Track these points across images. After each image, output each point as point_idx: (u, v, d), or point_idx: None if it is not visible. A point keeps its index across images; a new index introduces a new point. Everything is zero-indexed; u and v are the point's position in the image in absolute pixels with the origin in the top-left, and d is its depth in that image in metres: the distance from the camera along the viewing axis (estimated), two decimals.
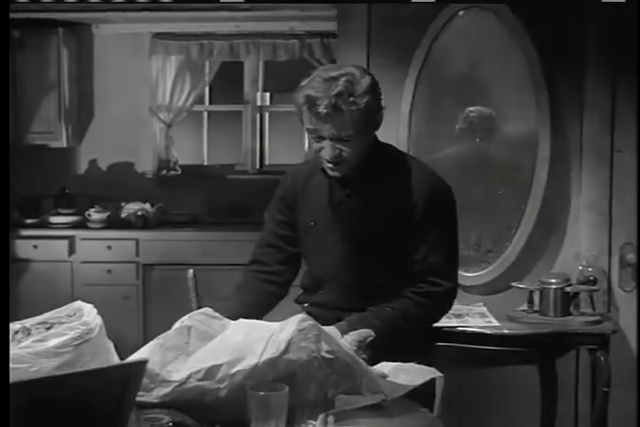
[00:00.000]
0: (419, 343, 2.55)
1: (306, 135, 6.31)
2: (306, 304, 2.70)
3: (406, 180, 2.55)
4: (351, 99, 2.39)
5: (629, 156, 3.74)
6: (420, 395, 2.12)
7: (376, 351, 2.38)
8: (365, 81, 2.44)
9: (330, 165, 2.53)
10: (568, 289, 3.55)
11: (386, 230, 2.55)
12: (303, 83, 2.46)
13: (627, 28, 3.63)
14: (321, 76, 2.43)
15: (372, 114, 2.46)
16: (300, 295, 2.76)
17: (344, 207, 2.60)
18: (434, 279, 2.53)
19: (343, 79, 2.40)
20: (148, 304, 5.89)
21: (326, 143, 2.47)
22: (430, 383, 2.18)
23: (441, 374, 2.18)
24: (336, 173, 2.56)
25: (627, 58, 3.68)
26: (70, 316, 2.08)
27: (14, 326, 2.04)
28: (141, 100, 6.35)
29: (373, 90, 2.46)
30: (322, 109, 2.39)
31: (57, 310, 2.12)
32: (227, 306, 2.56)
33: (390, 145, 2.71)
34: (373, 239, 2.56)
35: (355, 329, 2.43)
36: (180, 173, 6.41)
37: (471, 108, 3.84)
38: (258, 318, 2.32)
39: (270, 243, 2.75)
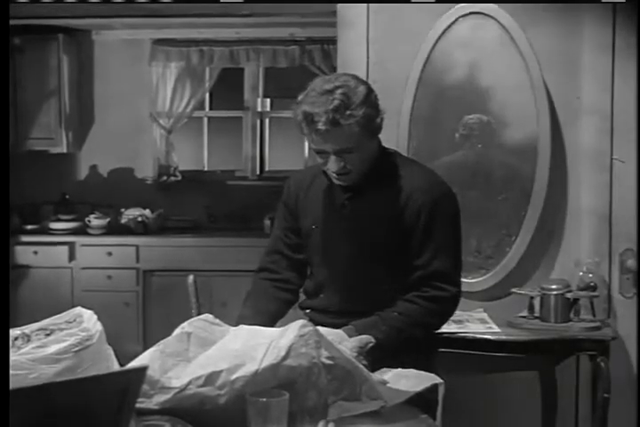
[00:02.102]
0: (420, 349, 2.54)
1: (306, 141, 6.37)
2: (308, 310, 2.70)
3: (410, 184, 2.55)
4: (348, 112, 2.39)
5: (629, 161, 3.74)
6: (423, 401, 2.12)
7: (380, 356, 2.38)
8: (361, 91, 2.44)
9: (336, 176, 2.54)
10: (568, 295, 3.55)
11: (387, 234, 2.55)
12: (300, 97, 2.46)
13: (627, 29, 3.63)
14: (316, 89, 2.43)
15: (371, 123, 2.46)
16: (303, 300, 2.77)
17: (346, 211, 2.61)
18: (438, 284, 2.53)
19: (339, 92, 2.40)
20: (148, 310, 5.89)
21: (330, 157, 2.48)
22: (432, 390, 2.17)
23: (441, 381, 2.18)
24: (343, 183, 2.56)
25: (626, 61, 3.68)
26: (70, 322, 2.08)
27: (14, 332, 2.03)
28: (142, 106, 6.36)
29: (369, 99, 2.46)
30: (321, 126, 2.39)
31: (57, 316, 2.12)
32: (242, 314, 2.58)
33: (395, 150, 2.71)
34: (375, 243, 2.56)
35: (362, 334, 2.42)
36: (180, 178, 6.42)
37: (470, 116, 3.85)
38: (272, 326, 2.33)
39: (278, 250, 2.76)
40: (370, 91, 2.48)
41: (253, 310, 2.61)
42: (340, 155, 2.46)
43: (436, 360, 2.66)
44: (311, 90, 2.45)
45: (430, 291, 2.53)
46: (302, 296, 2.79)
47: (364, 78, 3.76)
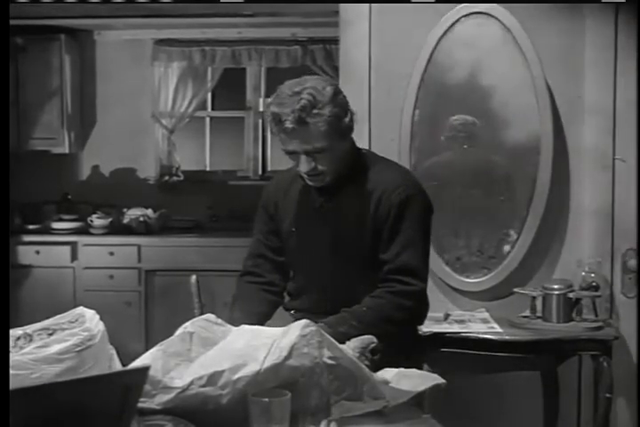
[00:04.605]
0: (405, 351, 2.54)
1: None
2: (292, 311, 2.73)
3: (383, 184, 2.58)
4: (315, 111, 2.44)
5: (630, 161, 3.73)
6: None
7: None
8: (328, 91, 2.47)
9: (307, 177, 2.56)
10: (570, 295, 3.55)
11: (363, 235, 2.58)
12: (270, 99, 2.51)
13: (627, 28, 3.64)
14: (285, 91, 2.48)
15: (339, 122, 2.49)
16: (287, 301, 2.79)
17: (322, 213, 2.64)
18: (404, 278, 2.54)
19: (306, 92, 2.45)
20: (151, 310, 5.89)
21: (301, 158, 2.51)
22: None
23: (444, 381, 2.18)
24: (315, 184, 2.59)
25: (628, 60, 3.68)
26: (72, 322, 2.08)
27: (16, 332, 2.03)
28: (144, 106, 6.36)
29: (336, 98, 2.49)
30: (287, 125, 2.43)
31: (59, 316, 2.12)
32: (233, 317, 2.59)
33: (368, 150, 2.74)
34: (351, 244, 2.59)
35: (333, 330, 2.42)
36: (182, 178, 6.42)
37: (454, 117, 3.85)
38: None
39: (260, 254, 2.79)
40: (337, 91, 2.51)
41: (243, 313, 2.63)
42: (310, 155, 2.50)
43: (423, 362, 2.67)
44: (280, 92, 2.50)
45: (397, 286, 2.54)
46: (287, 297, 2.80)
47: (367, 78, 3.82)
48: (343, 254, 2.60)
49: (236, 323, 2.40)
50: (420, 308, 2.63)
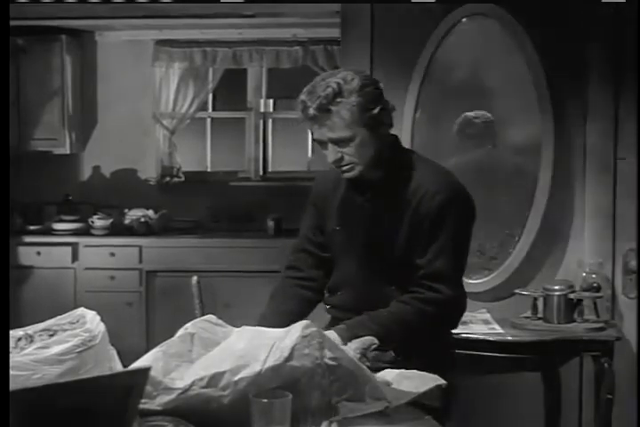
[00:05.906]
0: (433, 356, 2.53)
1: (309, 142, 6.38)
2: (329, 306, 2.73)
3: (426, 185, 2.55)
4: (338, 99, 2.43)
5: (631, 162, 3.73)
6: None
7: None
8: (356, 82, 2.47)
9: (336, 169, 2.56)
10: (572, 296, 3.55)
11: (400, 237, 2.55)
12: (304, 90, 2.51)
13: (628, 28, 3.64)
14: (317, 81, 2.49)
15: (364, 113, 2.47)
16: (327, 297, 2.78)
17: (363, 212, 2.62)
18: (435, 285, 2.52)
19: (334, 81, 2.45)
20: (152, 311, 5.89)
21: (328, 147, 2.50)
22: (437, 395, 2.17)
23: (445, 382, 2.18)
24: (347, 176, 2.58)
25: (629, 61, 3.68)
26: (73, 323, 2.08)
27: (17, 333, 2.03)
28: (145, 106, 6.36)
29: (364, 89, 2.47)
30: (310, 111, 2.44)
31: (60, 316, 2.12)
32: (263, 313, 2.61)
33: (414, 151, 2.73)
34: (387, 245, 2.57)
35: (352, 332, 2.42)
36: (183, 179, 6.41)
37: (472, 114, 3.84)
38: None
39: (304, 248, 2.78)
40: (368, 83, 2.50)
41: (273, 311, 2.64)
42: (336, 144, 2.49)
43: (452, 368, 2.64)
44: (314, 82, 2.51)
45: (425, 293, 2.52)
46: (327, 293, 2.81)
47: None
48: (379, 255, 2.59)
49: (264, 320, 2.41)
50: (446, 315, 2.59)
